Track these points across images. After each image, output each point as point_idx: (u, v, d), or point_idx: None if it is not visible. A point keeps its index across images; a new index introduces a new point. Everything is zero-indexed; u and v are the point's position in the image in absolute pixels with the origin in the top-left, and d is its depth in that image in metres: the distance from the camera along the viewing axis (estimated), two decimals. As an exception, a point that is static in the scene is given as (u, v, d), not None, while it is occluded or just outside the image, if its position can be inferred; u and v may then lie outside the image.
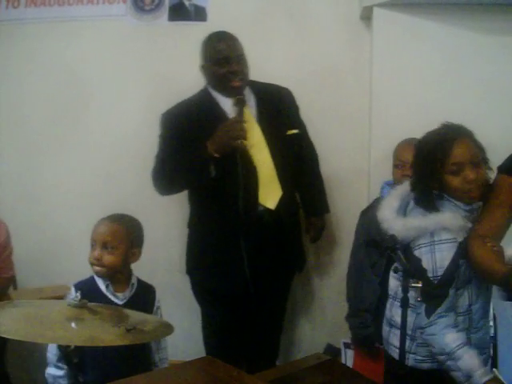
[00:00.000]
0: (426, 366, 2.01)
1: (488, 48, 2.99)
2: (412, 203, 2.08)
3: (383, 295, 2.21)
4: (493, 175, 2.04)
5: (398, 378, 2.01)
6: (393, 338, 2.08)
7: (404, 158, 2.64)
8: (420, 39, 3.04)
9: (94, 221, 2.31)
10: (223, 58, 2.61)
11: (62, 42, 3.44)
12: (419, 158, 2.04)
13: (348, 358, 2.89)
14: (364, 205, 3.16)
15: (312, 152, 2.97)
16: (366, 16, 3.18)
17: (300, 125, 2.89)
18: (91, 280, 2.23)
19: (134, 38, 3.40)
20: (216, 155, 2.48)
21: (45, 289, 2.98)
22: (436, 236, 1.94)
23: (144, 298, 2.29)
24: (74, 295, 2.12)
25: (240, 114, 2.57)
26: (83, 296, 2.04)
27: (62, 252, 3.39)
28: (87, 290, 2.09)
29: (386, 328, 2.13)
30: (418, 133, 2.92)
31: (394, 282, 2.11)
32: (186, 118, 2.65)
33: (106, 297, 2.18)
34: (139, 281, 2.33)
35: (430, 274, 1.92)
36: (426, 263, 1.94)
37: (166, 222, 3.36)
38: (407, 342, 1.96)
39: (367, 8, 3.11)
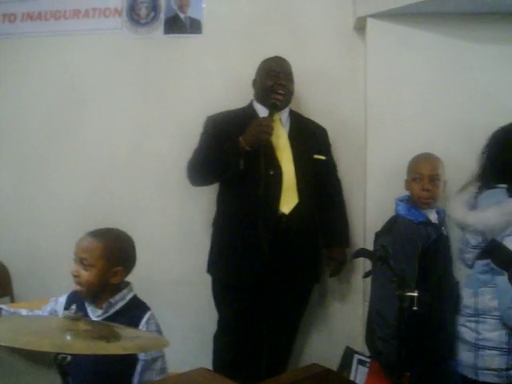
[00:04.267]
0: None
1: (482, 57, 3.00)
2: (481, 201, 2.24)
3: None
4: None
5: None
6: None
7: (423, 171, 2.68)
8: (414, 49, 3.06)
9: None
10: (273, 72, 2.91)
11: (58, 55, 3.46)
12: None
13: (359, 374, 2.80)
14: (361, 217, 3.18)
15: (338, 186, 3.11)
16: (360, 26, 3.19)
17: (329, 159, 3.07)
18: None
19: (129, 52, 3.42)
20: (247, 148, 2.69)
21: (42, 302, 2.97)
22: None
23: (128, 317, 2.06)
24: (61, 300, 2.16)
25: (271, 114, 2.81)
26: (70, 304, 1.97)
27: (58, 265, 3.36)
28: (75, 299, 2.08)
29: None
30: (414, 142, 2.96)
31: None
32: (227, 122, 2.91)
33: (84, 309, 2.08)
34: (133, 299, 2.16)
35: None
36: None
37: (162, 233, 3.37)
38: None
39: (361, 18, 3.12)
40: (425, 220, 2.63)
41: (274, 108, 2.82)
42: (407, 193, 2.77)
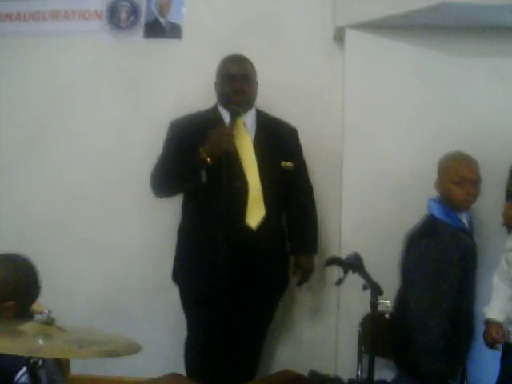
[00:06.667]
0: None
1: (461, 70, 3.03)
2: None
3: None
4: None
5: None
6: None
7: (468, 175, 2.54)
8: (392, 60, 3.08)
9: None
10: (229, 76, 2.76)
11: (37, 57, 3.44)
12: None
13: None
14: (336, 229, 3.15)
15: (306, 189, 2.98)
16: (339, 37, 3.21)
17: (299, 163, 2.92)
18: None
19: (109, 55, 3.41)
20: (208, 160, 2.55)
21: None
22: None
23: None
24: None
25: (232, 122, 2.67)
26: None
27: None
28: None
29: None
30: (391, 152, 2.99)
31: None
32: (190, 127, 2.77)
33: None
34: None
35: None
36: None
37: (135, 239, 3.36)
38: None
39: (340, 29, 3.14)
40: (462, 226, 2.55)
41: (235, 114, 2.68)
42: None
